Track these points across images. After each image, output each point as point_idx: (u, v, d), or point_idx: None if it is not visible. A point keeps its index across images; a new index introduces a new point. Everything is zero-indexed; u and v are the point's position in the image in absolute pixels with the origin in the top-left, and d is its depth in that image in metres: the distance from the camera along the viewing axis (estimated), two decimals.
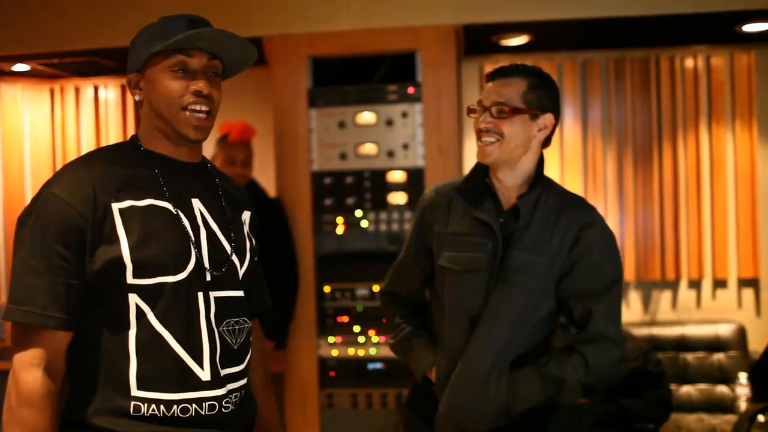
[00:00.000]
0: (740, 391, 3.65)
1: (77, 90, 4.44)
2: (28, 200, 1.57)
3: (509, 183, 2.01)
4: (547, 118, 1.99)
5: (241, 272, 1.66)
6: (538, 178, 2.01)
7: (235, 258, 1.65)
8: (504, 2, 3.45)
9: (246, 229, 1.75)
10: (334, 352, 3.45)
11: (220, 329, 1.59)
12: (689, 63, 4.12)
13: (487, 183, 2.01)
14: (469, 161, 4.17)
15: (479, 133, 1.97)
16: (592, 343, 1.98)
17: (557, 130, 4.10)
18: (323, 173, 3.48)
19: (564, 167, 4.15)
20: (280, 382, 3.46)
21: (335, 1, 3.51)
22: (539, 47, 4.06)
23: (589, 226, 1.99)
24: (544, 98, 1.98)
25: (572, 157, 4.13)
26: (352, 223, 3.46)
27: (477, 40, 3.84)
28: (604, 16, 3.44)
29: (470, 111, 2.01)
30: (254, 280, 1.77)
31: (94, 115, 4.40)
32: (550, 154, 4.16)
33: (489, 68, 4.18)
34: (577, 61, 4.17)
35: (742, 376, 3.65)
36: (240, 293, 1.66)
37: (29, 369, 1.47)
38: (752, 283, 4.11)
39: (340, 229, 3.47)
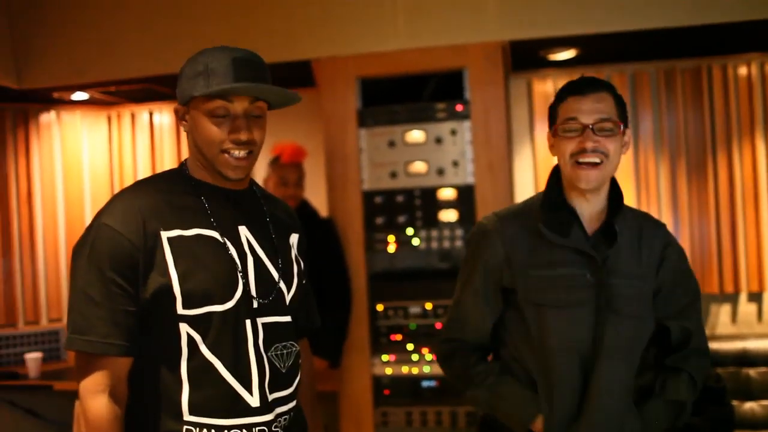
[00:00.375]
0: None
1: (133, 116, 4.56)
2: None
3: (597, 207, 1.87)
4: (628, 134, 1.89)
5: (288, 297, 1.68)
6: (618, 197, 1.89)
7: (282, 284, 1.67)
8: (550, 17, 3.45)
9: (294, 252, 1.76)
10: (388, 371, 3.46)
11: (269, 354, 1.62)
12: (743, 71, 4.05)
13: (571, 208, 1.85)
14: (520, 178, 4.16)
15: (579, 155, 1.78)
16: (693, 360, 1.92)
17: None
18: (374, 192, 3.51)
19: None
20: (334, 400, 3.48)
21: (382, 22, 3.55)
22: (587, 60, 4.04)
23: (669, 245, 1.93)
24: (625, 112, 1.88)
25: (624, 171, 4.09)
26: (403, 242, 3.48)
27: (524, 56, 3.84)
28: (651, 27, 3.41)
29: (564, 130, 1.82)
30: (303, 301, 1.79)
31: (149, 140, 4.52)
32: None
33: (538, 84, 4.19)
34: (627, 74, 4.13)
35: None
36: (287, 318, 1.68)
37: (95, 395, 1.52)
38: None
39: (391, 248, 3.48)
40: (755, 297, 4.05)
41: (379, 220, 3.49)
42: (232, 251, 1.60)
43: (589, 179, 1.79)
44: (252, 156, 1.63)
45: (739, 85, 4.05)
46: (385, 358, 3.47)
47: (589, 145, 1.77)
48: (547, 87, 4.18)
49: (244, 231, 1.64)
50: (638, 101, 4.12)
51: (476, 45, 3.47)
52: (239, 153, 1.59)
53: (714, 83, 4.06)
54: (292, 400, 1.68)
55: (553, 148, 1.87)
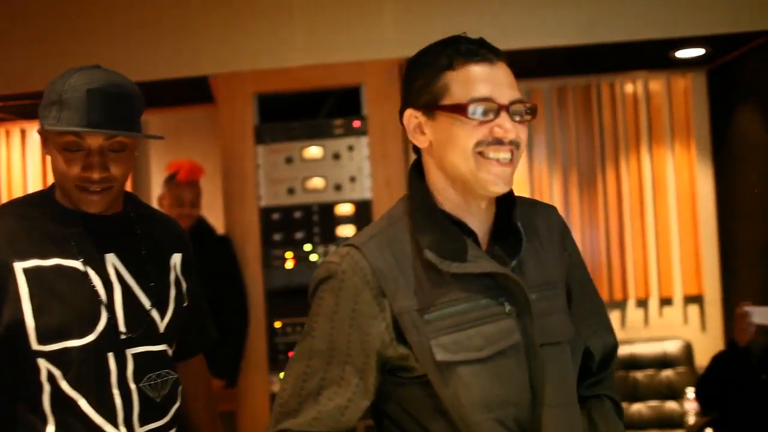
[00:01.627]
0: (688, 406, 3.73)
1: (23, 132, 4.41)
2: None
3: (488, 212, 1.37)
4: None
5: (162, 325, 1.63)
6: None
7: (154, 312, 1.62)
8: (445, 35, 3.51)
9: (175, 273, 1.70)
10: None
11: (141, 385, 1.57)
12: (629, 88, 4.24)
13: (456, 219, 1.34)
14: None
15: (490, 147, 1.28)
16: (608, 379, 1.52)
17: None
18: (271, 208, 3.51)
19: None
20: (233, 420, 3.45)
21: (280, 39, 3.56)
22: None
23: (565, 233, 1.49)
24: None
25: (519, 183, 4.22)
26: (301, 258, 3.49)
27: None
28: (544, 46, 3.53)
29: (472, 112, 1.27)
30: (191, 322, 1.74)
31: (40, 157, 4.37)
32: None
33: None
34: (521, 90, 4.25)
35: (690, 392, 3.73)
36: (161, 347, 1.64)
37: None
38: (697, 299, 4.21)
39: (289, 264, 3.49)
40: (642, 303, 4.24)
41: (277, 237, 3.49)
42: (96, 282, 1.54)
43: (505, 179, 1.30)
44: (111, 191, 1.56)
45: (625, 102, 4.24)
46: (283, 375, 3.46)
47: (509, 134, 1.27)
48: None
49: (111, 259, 1.58)
50: None
51: (374, 62, 3.52)
52: (95, 188, 1.53)
53: (603, 100, 4.23)
54: (169, 429, 1.65)
55: (424, 135, 1.32)
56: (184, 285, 1.73)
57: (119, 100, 1.52)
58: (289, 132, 3.53)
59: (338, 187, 3.50)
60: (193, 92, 3.85)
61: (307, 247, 3.49)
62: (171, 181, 3.42)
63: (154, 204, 3.51)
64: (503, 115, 1.28)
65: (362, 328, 1.28)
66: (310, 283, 1.35)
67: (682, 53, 3.87)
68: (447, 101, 1.30)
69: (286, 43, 3.56)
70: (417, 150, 1.38)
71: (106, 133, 1.50)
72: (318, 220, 3.49)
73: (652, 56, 3.93)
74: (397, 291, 1.28)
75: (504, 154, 1.29)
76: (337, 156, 3.51)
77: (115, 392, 1.54)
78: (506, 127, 1.28)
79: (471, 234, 1.34)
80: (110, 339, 1.54)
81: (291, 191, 3.51)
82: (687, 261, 4.16)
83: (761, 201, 3.73)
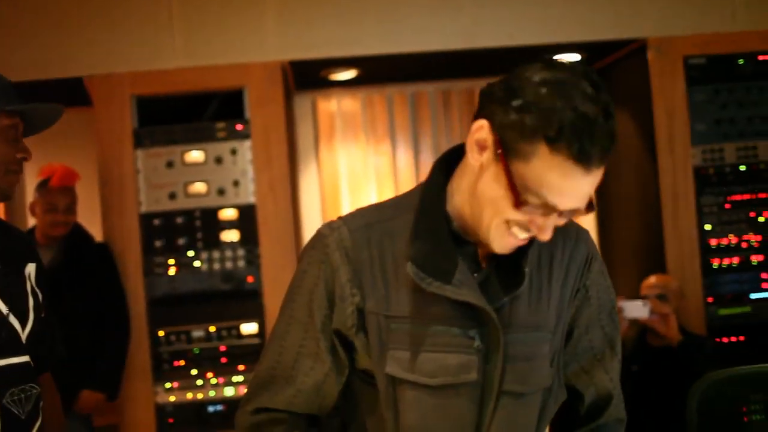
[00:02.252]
0: None
1: None
2: None
3: None
4: None
5: (24, 335, 1.56)
6: None
7: (14, 321, 1.55)
8: (328, 38, 3.53)
9: (30, 283, 1.64)
10: (172, 398, 3.36)
11: (4, 401, 1.49)
12: None
13: (454, 232, 1.24)
14: (306, 196, 4.21)
15: (521, 228, 1.18)
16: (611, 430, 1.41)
17: (392, 159, 4.25)
18: (152, 214, 3.41)
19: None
20: None
21: (159, 40, 3.47)
22: (369, 80, 4.17)
23: (590, 263, 1.35)
24: None
25: (405, 186, 4.26)
26: (184, 264, 3.41)
27: (307, 76, 3.90)
28: (428, 50, 3.58)
29: (529, 206, 1.15)
30: (44, 335, 1.67)
31: None
32: (385, 182, 4.27)
33: (322, 102, 4.26)
34: (407, 93, 4.31)
35: None
36: (24, 358, 1.56)
37: None
38: None
39: (172, 271, 3.40)
40: None
41: (159, 243, 3.40)
42: None
43: (511, 248, 1.22)
44: None
45: None
46: (168, 385, 3.37)
47: (545, 235, 1.17)
48: (331, 106, 4.27)
49: None
50: (418, 119, 4.32)
51: (256, 64, 3.47)
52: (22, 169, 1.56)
53: None
54: None
55: (480, 155, 1.18)
56: (40, 296, 1.66)
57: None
58: (169, 136, 3.44)
59: (221, 192, 3.44)
60: (68, 94, 3.69)
61: (191, 253, 3.41)
62: (43, 186, 3.26)
63: (26, 211, 3.35)
64: (552, 217, 1.16)
65: (335, 305, 1.25)
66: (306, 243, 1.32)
67: (560, 58, 3.99)
68: (518, 168, 1.13)
69: (166, 45, 3.47)
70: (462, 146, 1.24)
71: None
72: (201, 226, 3.42)
73: (531, 61, 4.04)
74: (371, 289, 1.23)
75: (527, 235, 1.19)
76: (219, 160, 3.44)
77: None
78: (547, 228, 1.17)
79: (471, 253, 1.25)
80: None
81: (172, 196, 3.42)
82: None
83: (633, 200, 3.91)
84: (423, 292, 1.21)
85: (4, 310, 1.54)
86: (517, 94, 1.14)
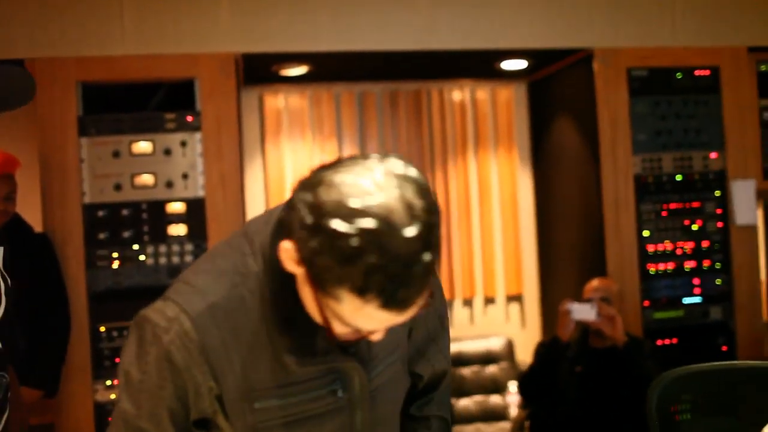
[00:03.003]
0: (510, 399, 3.94)
1: None
2: None
3: None
4: None
5: None
6: None
7: None
8: (282, 32, 3.48)
9: None
10: (113, 396, 3.25)
11: None
12: (457, 96, 4.41)
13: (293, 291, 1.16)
14: (250, 191, 4.15)
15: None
16: (436, 399, 1.50)
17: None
18: (96, 206, 3.29)
19: None
20: None
21: (107, 26, 3.35)
22: (319, 77, 4.14)
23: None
24: None
25: None
26: (128, 258, 3.30)
27: (256, 70, 3.84)
28: (378, 50, 3.58)
29: (339, 330, 1.13)
30: (13, 322, 1.60)
31: None
32: None
33: (269, 98, 4.21)
34: (355, 93, 4.30)
35: (512, 385, 3.93)
36: None
37: None
38: (517, 298, 4.45)
39: (116, 264, 3.29)
40: (468, 303, 4.41)
41: (102, 236, 3.27)
42: None
43: (352, 339, 1.17)
44: None
45: (453, 109, 4.40)
46: (108, 382, 3.25)
47: (377, 337, 1.16)
48: (278, 102, 4.22)
49: None
50: (365, 119, 4.31)
51: (208, 55, 3.40)
52: None
53: (432, 105, 4.37)
54: None
55: (297, 268, 1.10)
56: (8, 281, 1.58)
57: None
58: (116, 125, 3.32)
59: (169, 184, 3.34)
60: None
61: (136, 246, 3.31)
62: None
63: None
64: (380, 332, 1.14)
65: (191, 401, 1.17)
66: (130, 330, 1.20)
67: (506, 64, 4.08)
68: (328, 302, 1.06)
69: (114, 31, 3.35)
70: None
71: None
72: (147, 218, 3.31)
73: (480, 66, 4.12)
74: (227, 374, 1.16)
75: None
76: (168, 152, 3.35)
77: None
78: (376, 334, 1.14)
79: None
80: None
81: (118, 187, 3.31)
82: (509, 262, 4.39)
83: (576, 205, 4.01)
84: (281, 363, 1.17)
85: None
86: (319, 224, 1.02)
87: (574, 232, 4.05)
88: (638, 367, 3.09)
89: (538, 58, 3.96)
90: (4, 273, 1.57)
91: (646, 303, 3.72)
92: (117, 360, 3.26)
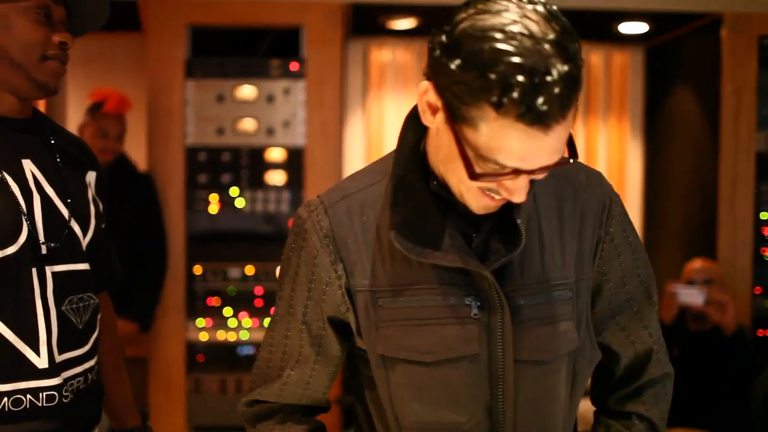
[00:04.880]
0: None
1: None
2: None
3: None
4: None
5: (85, 242, 1.47)
6: None
7: (75, 226, 1.45)
8: None
9: (91, 192, 1.54)
10: (203, 336, 3.32)
11: (63, 308, 1.41)
12: None
13: (438, 191, 1.13)
14: (349, 145, 4.11)
15: (493, 192, 1.06)
16: (650, 393, 1.26)
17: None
18: (198, 148, 3.32)
19: None
20: (144, 366, 3.29)
21: None
22: (426, 33, 4.02)
23: (610, 208, 1.20)
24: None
25: None
26: (226, 202, 3.33)
27: (364, 21, 3.77)
28: None
29: (489, 173, 1.03)
30: (102, 250, 1.58)
31: None
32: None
33: (375, 51, 4.13)
34: None
35: None
36: (84, 266, 1.47)
37: None
38: None
39: (214, 208, 3.32)
40: None
41: (202, 178, 3.31)
42: (14, 189, 1.37)
43: (492, 209, 1.11)
44: (65, 70, 1.46)
45: None
46: (200, 323, 3.32)
47: (518, 197, 1.05)
48: (383, 55, 4.14)
49: (29, 165, 1.40)
50: None
51: (316, 3, 3.35)
52: (63, 59, 1.42)
53: None
54: (88, 360, 1.47)
55: (433, 118, 1.07)
56: (100, 205, 1.58)
57: None
58: (222, 68, 3.33)
59: (270, 131, 3.34)
60: (119, 17, 3.58)
61: (234, 191, 3.33)
62: (96, 110, 3.17)
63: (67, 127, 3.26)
64: (522, 178, 1.03)
65: (319, 293, 1.18)
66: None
67: (625, 27, 3.86)
68: (467, 134, 1.01)
69: None
70: None
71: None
72: (247, 164, 3.33)
73: (596, 28, 3.91)
74: (356, 265, 1.15)
75: (502, 197, 1.07)
76: (271, 98, 3.34)
77: (39, 312, 1.37)
78: (518, 190, 1.04)
79: (464, 212, 1.11)
80: (32, 252, 1.37)
81: (220, 131, 3.33)
82: None
83: (689, 181, 3.79)
84: (411, 262, 1.12)
85: (66, 214, 1.45)
86: (455, 49, 1.00)
87: (684, 209, 3.83)
88: (745, 357, 2.91)
89: (660, 21, 3.72)
90: (96, 197, 1.56)
91: (758, 290, 3.49)
92: (210, 301, 3.32)
